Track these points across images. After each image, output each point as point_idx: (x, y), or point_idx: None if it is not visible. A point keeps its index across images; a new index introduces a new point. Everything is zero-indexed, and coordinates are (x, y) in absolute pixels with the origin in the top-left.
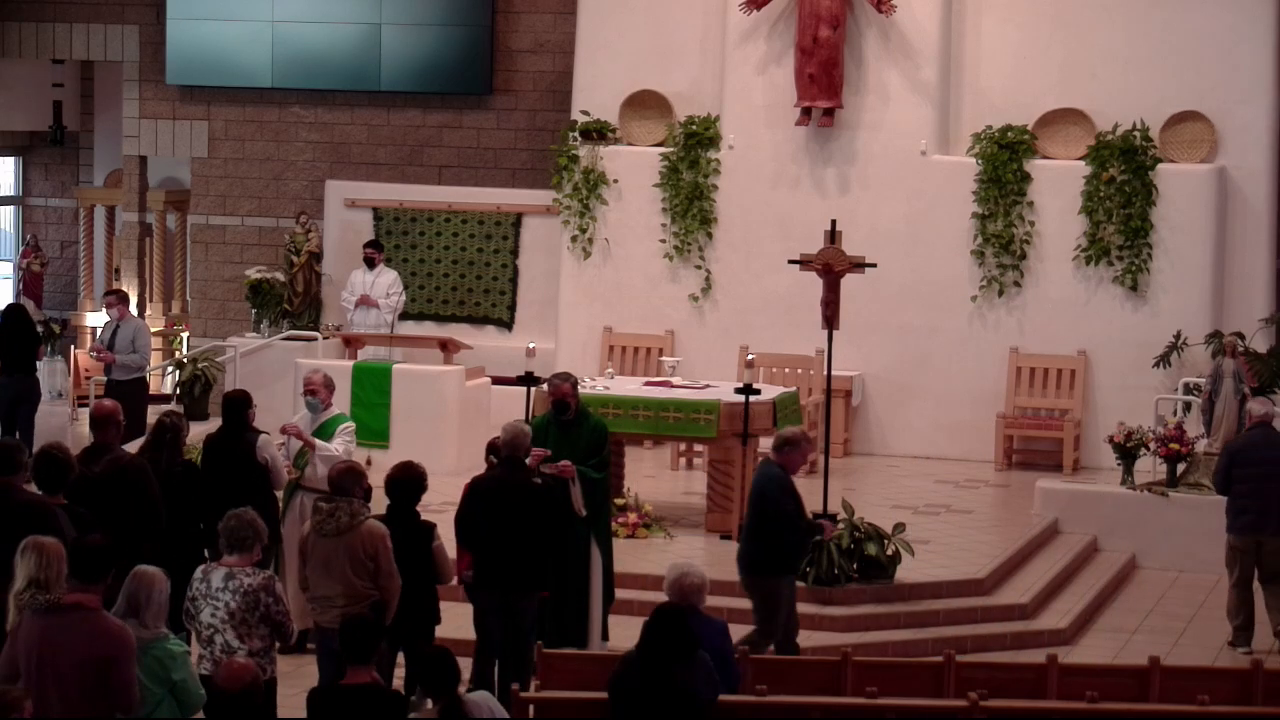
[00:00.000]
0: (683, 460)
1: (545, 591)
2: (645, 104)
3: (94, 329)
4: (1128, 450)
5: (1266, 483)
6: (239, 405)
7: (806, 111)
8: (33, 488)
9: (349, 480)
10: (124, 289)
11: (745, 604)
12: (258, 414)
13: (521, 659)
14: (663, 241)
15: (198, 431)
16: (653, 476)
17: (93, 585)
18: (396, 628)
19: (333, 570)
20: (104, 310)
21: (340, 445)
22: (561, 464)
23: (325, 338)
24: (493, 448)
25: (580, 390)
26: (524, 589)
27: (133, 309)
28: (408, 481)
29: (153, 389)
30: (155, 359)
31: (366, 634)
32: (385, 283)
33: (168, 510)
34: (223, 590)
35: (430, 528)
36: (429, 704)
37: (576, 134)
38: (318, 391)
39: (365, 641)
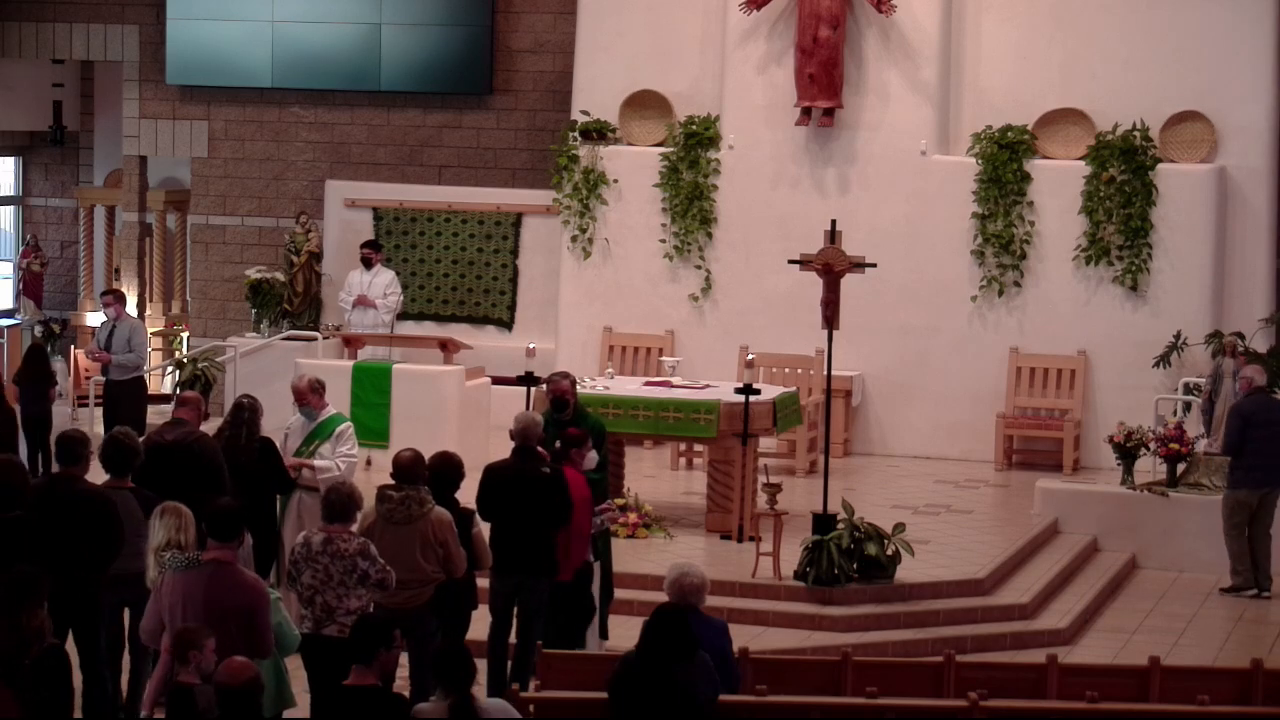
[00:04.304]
0: (683, 460)
1: (554, 577)
2: (645, 104)
3: (94, 329)
4: (1128, 450)
5: (1275, 443)
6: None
7: (806, 111)
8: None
9: (419, 468)
10: (121, 289)
11: (745, 604)
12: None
13: (527, 643)
14: (663, 241)
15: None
16: (653, 476)
17: (228, 543)
18: (437, 611)
19: (401, 556)
20: (101, 310)
21: (343, 460)
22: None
23: (325, 338)
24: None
25: (580, 390)
26: (534, 573)
27: (132, 309)
28: (446, 471)
29: (151, 389)
30: (155, 359)
31: (372, 636)
32: (382, 283)
33: (250, 482)
34: (322, 554)
35: (470, 514)
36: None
37: (576, 134)
38: (306, 398)
39: (370, 643)
